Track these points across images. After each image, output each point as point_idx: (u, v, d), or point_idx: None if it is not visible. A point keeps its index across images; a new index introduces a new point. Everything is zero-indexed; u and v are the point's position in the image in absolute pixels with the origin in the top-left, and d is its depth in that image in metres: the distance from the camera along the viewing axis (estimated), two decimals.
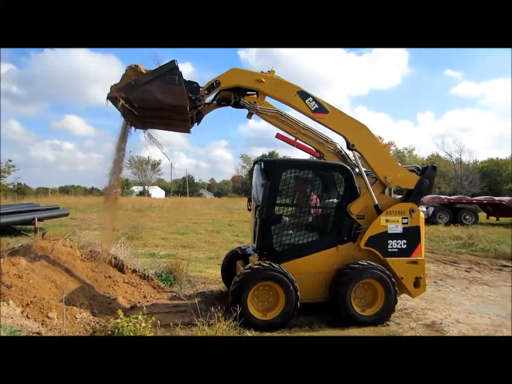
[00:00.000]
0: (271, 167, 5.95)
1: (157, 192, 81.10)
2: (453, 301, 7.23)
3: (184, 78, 5.52)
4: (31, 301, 4.59)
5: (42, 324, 4.28)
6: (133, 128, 6.08)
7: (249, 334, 5.04)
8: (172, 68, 5.38)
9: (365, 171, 6.16)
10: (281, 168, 5.94)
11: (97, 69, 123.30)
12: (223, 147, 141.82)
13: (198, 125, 6.42)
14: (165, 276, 7.87)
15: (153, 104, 5.39)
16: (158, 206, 35.11)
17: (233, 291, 5.38)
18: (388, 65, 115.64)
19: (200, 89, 5.80)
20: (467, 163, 57.26)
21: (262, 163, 6.05)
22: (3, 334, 3.50)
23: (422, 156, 68.51)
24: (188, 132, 6.41)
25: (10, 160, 39.39)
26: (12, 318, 4.00)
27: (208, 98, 6.09)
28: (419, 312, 6.41)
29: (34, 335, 3.66)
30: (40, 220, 14.92)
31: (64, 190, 71.57)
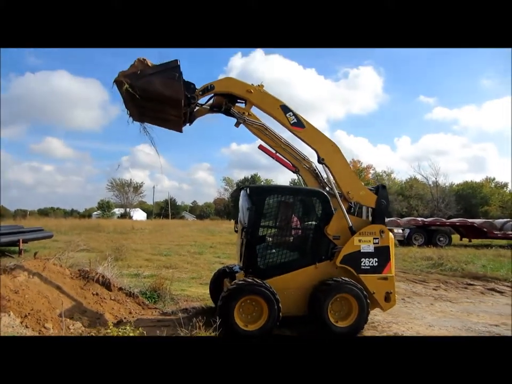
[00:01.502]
0: (256, 192, 6.62)
1: (138, 215, 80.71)
2: (417, 315, 7.82)
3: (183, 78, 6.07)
4: (28, 313, 5.05)
5: (39, 333, 4.73)
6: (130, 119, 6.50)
7: None
8: (174, 66, 5.94)
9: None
10: (265, 193, 6.58)
11: (78, 93, 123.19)
12: (205, 169, 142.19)
13: (190, 125, 6.97)
14: (149, 294, 8.27)
15: (153, 94, 5.92)
16: (140, 228, 35.23)
17: (225, 296, 5.82)
18: (364, 91, 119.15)
19: (196, 89, 6.39)
20: (444, 186, 59.11)
21: (248, 189, 6.68)
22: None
23: (401, 179, 70.47)
24: (180, 130, 6.92)
25: None
26: (12, 327, 4.46)
27: (202, 100, 6.68)
28: (384, 325, 6.97)
29: None
30: (24, 241, 15.10)
31: (44, 212, 70.71)
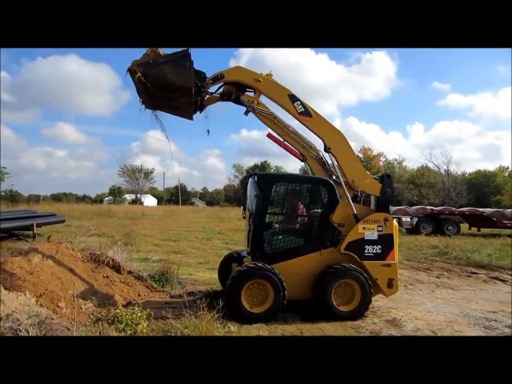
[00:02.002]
0: (264, 180, 6.82)
1: (149, 201, 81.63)
2: (417, 302, 8.01)
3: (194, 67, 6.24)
4: (43, 293, 5.39)
5: (53, 311, 5.05)
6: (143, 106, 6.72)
7: (231, 326, 5.76)
8: (185, 55, 6.10)
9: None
10: (272, 181, 6.79)
11: (89, 78, 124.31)
12: (215, 156, 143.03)
13: (200, 113, 7.18)
14: (157, 277, 8.59)
15: (165, 83, 6.11)
16: (150, 214, 35.75)
17: (235, 277, 6.11)
18: (376, 77, 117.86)
19: (206, 78, 6.56)
20: (455, 174, 58.61)
21: (256, 177, 6.89)
22: (24, 318, 4.23)
23: (412, 167, 69.98)
24: (191, 118, 7.12)
25: (4, 168, 39.86)
26: (28, 305, 4.78)
27: (213, 89, 6.87)
28: (384, 310, 7.17)
29: (48, 320, 4.38)
30: (38, 226, 15.57)
31: (56, 198, 71.82)
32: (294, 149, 7.12)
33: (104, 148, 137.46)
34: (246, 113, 7.12)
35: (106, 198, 79.51)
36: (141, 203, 73.35)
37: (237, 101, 6.96)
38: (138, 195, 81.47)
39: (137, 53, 6.14)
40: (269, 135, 7.09)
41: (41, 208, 28.78)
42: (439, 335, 5.90)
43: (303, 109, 6.83)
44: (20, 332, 3.93)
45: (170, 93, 6.42)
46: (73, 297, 5.28)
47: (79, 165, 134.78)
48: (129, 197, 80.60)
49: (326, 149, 6.87)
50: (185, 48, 6.12)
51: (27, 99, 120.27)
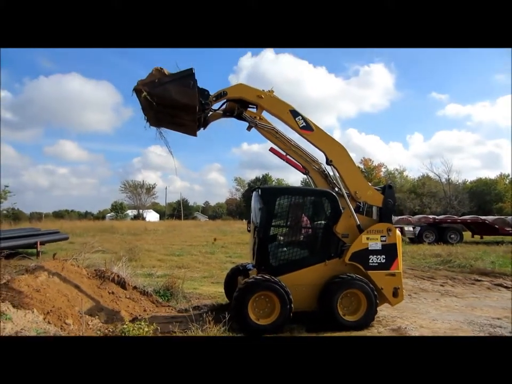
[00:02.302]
0: (267, 193, 6.94)
1: (151, 216, 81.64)
2: (422, 310, 8.00)
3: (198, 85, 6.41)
4: (50, 310, 5.44)
5: (61, 328, 5.10)
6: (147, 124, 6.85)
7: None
8: (189, 74, 6.28)
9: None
10: (276, 194, 6.89)
11: (91, 95, 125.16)
12: (216, 170, 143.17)
13: (204, 129, 7.33)
14: (162, 292, 8.61)
15: (170, 101, 6.26)
16: (153, 229, 35.78)
17: (242, 289, 6.15)
18: (375, 89, 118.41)
19: (210, 96, 6.73)
20: (456, 183, 58.70)
21: (260, 190, 7.01)
22: (32, 335, 4.29)
23: (413, 177, 70.07)
24: (195, 134, 7.28)
25: (7, 186, 39.92)
26: (36, 323, 4.83)
27: (216, 105, 7.03)
28: (389, 320, 7.17)
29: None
30: (42, 243, 15.64)
31: (59, 215, 71.98)
32: (296, 162, 7.22)
33: (106, 164, 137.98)
34: (249, 128, 7.24)
35: (109, 214, 79.60)
36: (143, 218, 73.43)
37: (240, 117, 7.11)
38: (141, 210, 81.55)
39: (139, 72, 6.28)
40: (272, 150, 7.21)
41: (43, 225, 28.82)
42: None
43: (304, 124, 6.97)
44: None
45: (175, 110, 6.58)
46: (80, 313, 5.34)
47: (81, 182, 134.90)
48: (131, 212, 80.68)
49: (328, 162, 6.98)
50: (189, 68, 6.30)
51: (29, 118, 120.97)
